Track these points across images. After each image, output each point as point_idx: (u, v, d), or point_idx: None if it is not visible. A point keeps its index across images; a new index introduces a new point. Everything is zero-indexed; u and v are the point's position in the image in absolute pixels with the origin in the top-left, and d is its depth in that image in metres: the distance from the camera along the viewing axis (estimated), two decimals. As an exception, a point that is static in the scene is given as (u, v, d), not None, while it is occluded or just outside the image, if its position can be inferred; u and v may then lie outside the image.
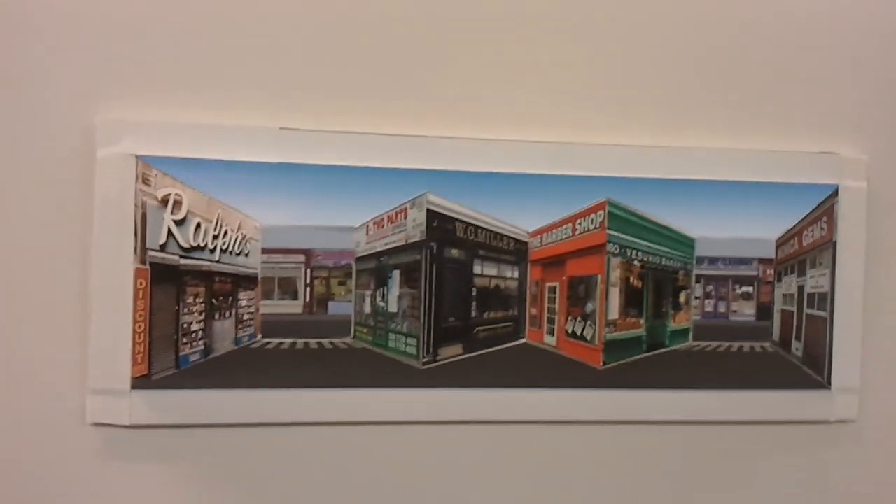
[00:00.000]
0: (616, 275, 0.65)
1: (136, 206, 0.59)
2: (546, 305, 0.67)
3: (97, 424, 0.61)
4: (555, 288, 0.68)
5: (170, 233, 0.60)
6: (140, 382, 0.60)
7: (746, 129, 0.71)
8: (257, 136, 0.59)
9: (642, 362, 0.66)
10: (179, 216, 0.60)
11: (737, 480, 0.74)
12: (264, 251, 0.62)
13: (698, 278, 0.69)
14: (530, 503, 0.70)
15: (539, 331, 0.68)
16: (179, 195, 0.60)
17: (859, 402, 0.74)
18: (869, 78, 0.75)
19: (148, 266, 0.59)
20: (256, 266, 0.61)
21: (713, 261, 0.69)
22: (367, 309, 0.65)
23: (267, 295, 0.62)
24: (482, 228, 0.64)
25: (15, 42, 0.61)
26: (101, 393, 0.61)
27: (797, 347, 0.72)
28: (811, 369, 0.71)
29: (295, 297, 0.63)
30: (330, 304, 0.63)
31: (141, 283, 0.60)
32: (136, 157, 0.59)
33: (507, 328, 0.65)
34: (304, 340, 0.61)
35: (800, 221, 0.70)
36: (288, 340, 0.61)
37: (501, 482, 0.69)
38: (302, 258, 0.62)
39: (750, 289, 0.70)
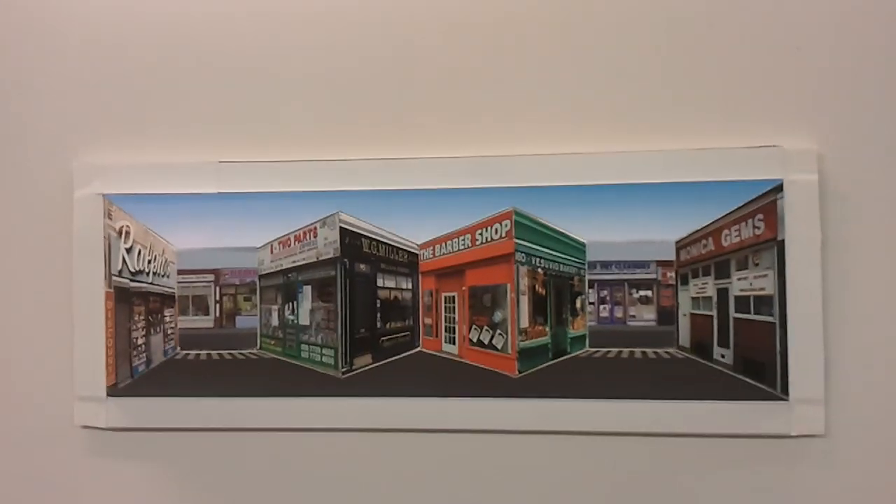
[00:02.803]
0: (525, 283, 0.60)
1: (104, 238, 0.64)
2: (444, 315, 0.61)
3: (85, 427, 0.66)
4: (453, 297, 0.61)
5: (123, 260, 0.64)
6: (112, 390, 0.64)
7: (678, 129, 0.61)
8: (197, 170, 0.63)
9: (556, 370, 0.60)
10: (128, 245, 0.64)
11: (682, 497, 0.62)
12: (179, 272, 0.63)
13: (591, 283, 0.59)
14: None
15: (436, 340, 0.62)
16: (128, 226, 0.64)
17: (826, 415, 0.60)
18: (816, 63, 0.61)
19: (112, 289, 0.64)
20: (174, 286, 0.64)
21: (606, 265, 0.59)
22: (275, 322, 0.63)
23: (183, 311, 0.64)
24: (383, 243, 0.61)
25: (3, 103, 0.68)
26: (86, 399, 0.65)
27: (723, 354, 0.59)
28: (751, 378, 0.59)
29: (207, 312, 0.63)
30: (237, 318, 0.63)
31: (109, 305, 0.64)
32: (103, 195, 0.64)
33: (405, 337, 0.61)
34: (217, 351, 0.63)
35: (715, 221, 0.59)
36: (203, 352, 0.63)
37: (424, 490, 0.64)
38: (212, 277, 0.62)
39: (649, 292, 0.59)
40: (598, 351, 0.59)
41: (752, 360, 0.59)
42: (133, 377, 0.64)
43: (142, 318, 0.64)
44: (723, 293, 0.59)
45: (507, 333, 0.60)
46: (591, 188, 0.59)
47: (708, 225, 0.59)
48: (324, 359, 0.62)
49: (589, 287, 0.60)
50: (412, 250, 0.61)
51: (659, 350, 0.59)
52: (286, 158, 0.63)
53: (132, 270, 0.64)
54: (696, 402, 0.60)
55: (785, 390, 0.60)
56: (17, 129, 0.68)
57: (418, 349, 0.61)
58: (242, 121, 0.66)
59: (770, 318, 0.59)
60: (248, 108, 0.66)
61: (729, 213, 0.59)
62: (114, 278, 0.65)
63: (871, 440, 0.62)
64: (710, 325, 0.59)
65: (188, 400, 0.64)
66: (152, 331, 0.64)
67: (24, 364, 0.68)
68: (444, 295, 0.61)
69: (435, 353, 0.61)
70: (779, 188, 0.60)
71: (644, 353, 0.59)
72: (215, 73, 0.66)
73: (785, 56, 0.62)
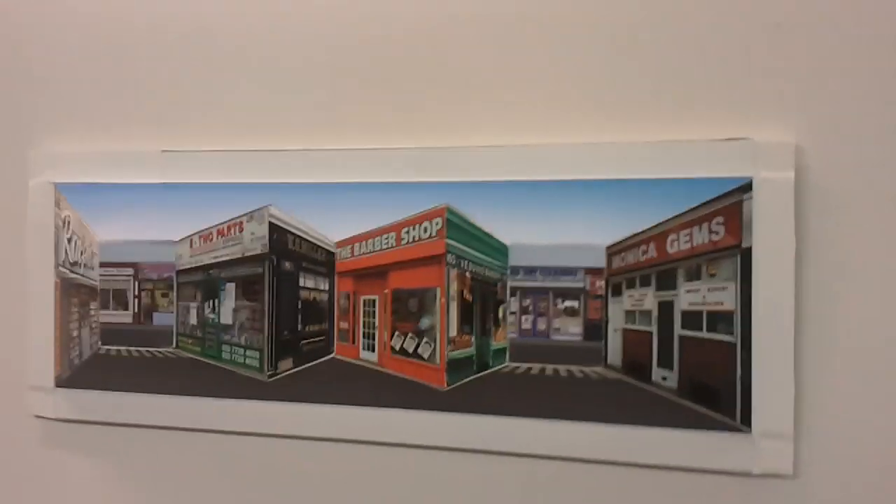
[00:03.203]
0: (454, 287, 0.54)
1: (55, 227, 0.62)
2: (362, 319, 0.56)
3: (37, 416, 0.64)
4: (373, 301, 0.56)
5: (65, 250, 0.62)
6: (58, 381, 0.63)
7: (630, 119, 0.53)
8: (138, 158, 0.60)
9: (481, 385, 0.53)
10: (69, 235, 0.62)
11: None
12: (101, 265, 0.61)
13: (514, 291, 0.52)
14: None
15: (352, 346, 0.56)
16: (69, 216, 0.62)
17: (795, 452, 0.51)
18: (799, 41, 0.51)
19: (59, 279, 0.62)
20: (97, 279, 0.61)
21: (530, 271, 0.52)
22: (193, 320, 0.59)
23: (104, 305, 0.61)
24: (305, 241, 0.57)
25: None
26: (37, 389, 0.64)
27: (664, 377, 0.50)
28: (702, 405, 0.51)
29: (126, 307, 0.60)
30: (154, 314, 0.60)
31: (57, 295, 0.62)
32: (54, 184, 0.62)
33: (321, 342, 0.57)
34: (135, 348, 0.60)
35: (658, 225, 0.50)
36: (122, 348, 0.61)
37: (351, 500, 0.59)
38: (131, 271, 0.60)
39: (575, 303, 0.51)
40: (518, 366, 0.53)
41: (703, 384, 0.51)
42: (71, 370, 0.63)
43: (75, 310, 0.63)
44: (666, 307, 0.51)
45: (434, 342, 0.55)
46: (522, 184, 0.53)
47: (649, 229, 0.51)
48: (247, 360, 0.58)
49: (511, 295, 0.53)
50: (329, 249, 0.57)
51: (585, 368, 0.52)
52: (217, 148, 0.60)
53: (71, 261, 0.63)
54: (643, 428, 0.52)
55: (746, 421, 0.52)
56: None
57: (331, 356, 0.57)
58: (187, 109, 0.63)
59: (728, 338, 0.51)
60: (192, 97, 0.63)
61: (678, 216, 0.51)
62: (59, 268, 0.64)
63: (845, 482, 0.52)
64: (647, 343, 0.51)
65: (123, 395, 0.62)
66: (82, 323, 0.62)
67: None
68: (363, 298, 0.56)
69: (351, 360, 0.56)
70: (746, 187, 0.51)
71: (570, 371, 0.52)
72: (164, 63, 0.64)
73: (762, 33, 0.53)
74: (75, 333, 0.60)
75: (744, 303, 0.49)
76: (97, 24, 0.64)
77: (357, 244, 0.53)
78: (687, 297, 0.49)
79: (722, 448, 0.50)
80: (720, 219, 0.49)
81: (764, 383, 0.50)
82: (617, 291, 0.49)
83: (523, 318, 0.51)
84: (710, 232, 0.49)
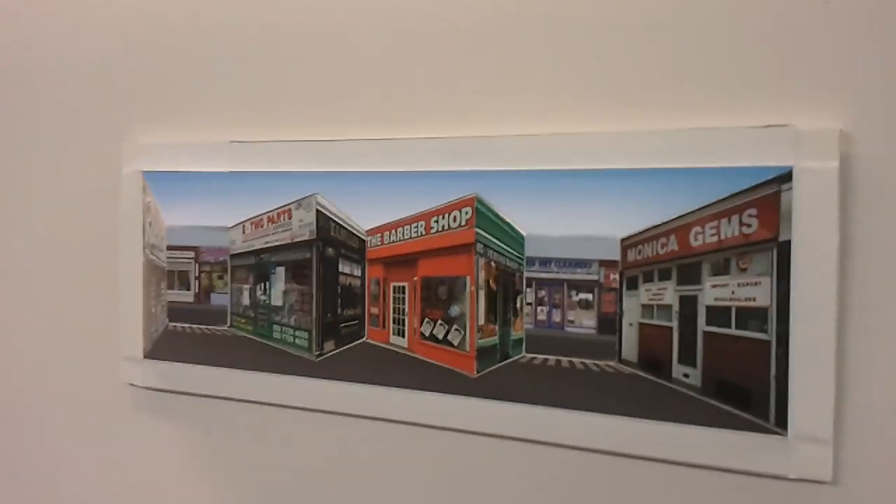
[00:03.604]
0: (482, 276, 0.54)
1: (143, 212, 0.67)
2: (392, 305, 0.57)
3: (130, 384, 0.70)
4: (402, 288, 0.56)
5: (145, 234, 0.67)
6: (145, 353, 0.68)
7: (663, 106, 0.50)
8: (210, 149, 0.64)
9: (506, 373, 0.53)
10: (149, 220, 0.67)
11: None
12: (168, 248, 0.65)
13: (529, 282, 0.51)
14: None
15: (383, 331, 0.57)
16: (150, 202, 0.67)
17: (835, 458, 0.48)
18: (848, 20, 0.47)
19: (144, 260, 0.67)
20: (165, 261, 0.66)
21: (545, 262, 0.51)
22: (246, 301, 0.62)
23: (171, 286, 0.65)
24: (343, 228, 0.58)
25: (62, 91, 0.73)
26: (129, 359, 0.69)
27: (686, 374, 0.48)
28: (730, 405, 0.48)
29: (189, 287, 0.64)
30: (212, 295, 0.63)
31: (144, 274, 0.67)
32: (142, 172, 0.67)
33: (356, 326, 0.58)
34: (196, 326, 0.64)
35: (681, 217, 0.48)
36: (186, 325, 0.65)
37: (389, 481, 0.60)
38: (192, 254, 0.63)
39: (589, 296, 0.50)
40: (535, 357, 0.52)
41: (731, 383, 0.49)
42: (152, 343, 0.69)
43: (153, 289, 0.68)
44: (688, 302, 0.49)
45: (464, 329, 0.55)
46: (542, 174, 0.52)
47: (669, 221, 0.49)
48: (297, 340, 0.61)
49: (527, 286, 0.53)
50: (361, 236, 0.58)
51: (599, 362, 0.51)
52: (266, 139, 0.63)
53: (150, 244, 0.68)
54: (668, 423, 0.51)
55: (781, 423, 0.49)
56: (73, 114, 0.75)
57: (363, 339, 0.59)
58: (254, 104, 0.66)
59: (762, 335, 0.48)
60: (258, 92, 0.66)
61: (703, 207, 0.49)
62: (145, 250, 0.69)
63: (889, 490, 0.48)
64: (667, 339, 0.49)
65: (193, 367, 0.67)
66: (156, 301, 0.68)
67: (75, 326, 0.76)
68: (392, 284, 0.57)
69: (382, 344, 0.57)
70: (785, 177, 0.48)
71: (584, 363, 0.51)
72: (232, 61, 0.68)
73: (806, 10, 0.49)
74: (153, 310, 0.65)
75: (780, 299, 0.46)
76: (178, 29, 0.67)
77: (387, 232, 0.55)
78: (713, 291, 0.46)
79: (754, 449, 0.48)
80: (753, 210, 0.46)
81: (802, 384, 0.47)
82: (632, 285, 0.48)
83: (539, 309, 0.50)
84: (742, 224, 0.46)
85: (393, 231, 0.52)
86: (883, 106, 0.45)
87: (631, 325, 0.46)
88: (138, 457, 0.68)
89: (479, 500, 0.54)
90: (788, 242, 0.45)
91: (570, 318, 0.47)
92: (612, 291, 0.46)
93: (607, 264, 0.46)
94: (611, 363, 0.47)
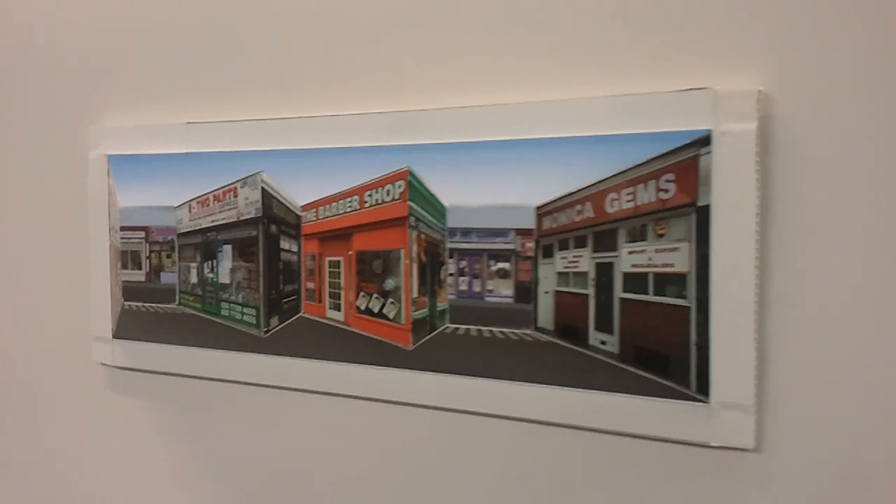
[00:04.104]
0: (415, 250, 0.54)
1: (108, 195, 0.67)
2: (328, 280, 0.57)
3: (101, 364, 0.71)
4: (338, 262, 0.56)
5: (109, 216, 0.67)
6: (114, 333, 0.68)
7: (580, 75, 0.49)
8: (166, 130, 0.64)
9: (436, 344, 0.53)
10: (111, 202, 0.67)
11: (578, 494, 0.52)
12: (121, 228, 0.66)
13: (451, 252, 0.51)
14: (361, 479, 0.59)
15: (319, 306, 0.57)
16: (112, 185, 0.68)
17: (758, 425, 0.47)
18: None
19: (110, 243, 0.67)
20: (118, 241, 0.66)
21: (466, 232, 0.50)
22: (194, 279, 0.62)
23: (124, 266, 0.66)
24: (282, 205, 0.59)
25: (31, 77, 0.74)
26: (100, 339, 0.70)
27: (603, 341, 0.48)
28: (649, 372, 0.47)
29: (140, 267, 0.65)
30: (161, 273, 0.64)
31: (110, 256, 0.68)
32: (107, 156, 0.68)
33: (294, 301, 0.59)
34: (147, 304, 0.65)
35: (597, 183, 0.47)
36: (139, 304, 0.66)
37: (338, 453, 0.60)
38: (143, 234, 0.64)
39: (507, 265, 0.49)
40: (458, 328, 0.53)
41: (649, 350, 0.48)
42: (115, 323, 0.71)
43: (113, 269, 0.70)
44: (605, 269, 0.48)
45: (399, 302, 0.56)
46: (461, 146, 0.52)
47: (584, 188, 0.49)
48: (245, 317, 0.62)
49: (449, 257, 0.53)
50: (297, 212, 0.59)
51: (517, 331, 0.51)
52: (217, 119, 0.64)
53: (111, 226, 0.70)
54: (591, 392, 0.51)
55: (703, 391, 0.48)
56: (42, 99, 0.77)
57: (300, 314, 0.60)
58: (208, 85, 0.67)
59: (681, 301, 0.48)
60: (211, 74, 0.67)
61: (618, 174, 0.48)
62: (111, 232, 0.71)
63: (811, 457, 0.47)
64: (583, 306, 0.49)
65: (157, 346, 0.68)
66: (115, 282, 0.69)
67: (49, 308, 0.77)
68: (327, 259, 0.58)
69: (319, 318, 0.58)
70: (704, 141, 0.48)
71: (503, 332, 0.51)
72: (188, 45, 0.69)
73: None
74: (114, 291, 0.67)
75: (700, 265, 0.46)
76: (139, 17, 0.69)
77: (322, 207, 0.55)
78: (630, 258, 0.46)
79: (676, 417, 0.47)
80: (670, 176, 0.46)
81: (722, 350, 0.46)
82: (548, 253, 0.48)
83: (460, 279, 0.50)
84: (659, 190, 0.46)
85: (327, 206, 0.53)
86: (804, 65, 0.45)
87: (547, 293, 0.46)
88: (108, 430, 0.70)
89: (416, 470, 0.54)
90: (708, 207, 0.44)
91: (490, 287, 0.47)
92: (529, 260, 0.46)
93: (523, 233, 0.46)
94: (528, 332, 0.47)
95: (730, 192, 0.44)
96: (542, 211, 0.45)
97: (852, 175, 0.43)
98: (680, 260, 0.44)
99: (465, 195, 0.47)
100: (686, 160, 0.44)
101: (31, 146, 0.72)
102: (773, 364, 0.45)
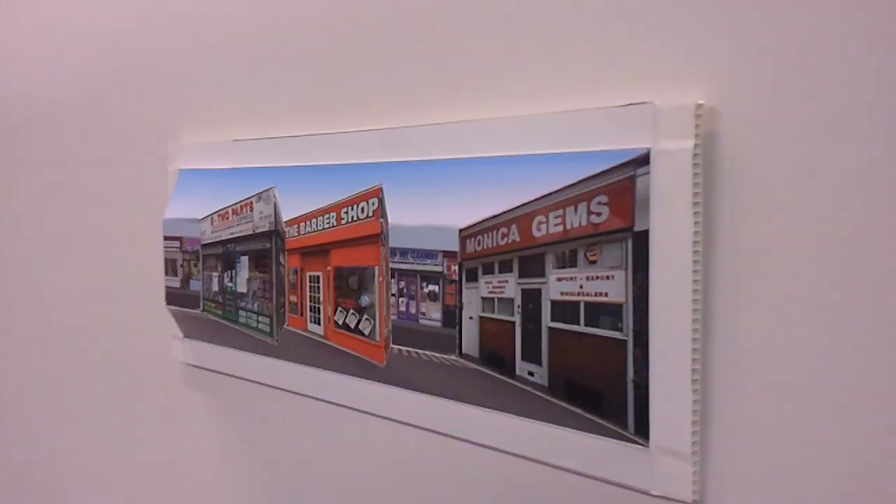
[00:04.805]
0: (389, 267, 0.53)
1: None
2: (308, 294, 0.58)
3: (180, 362, 0.76)
4: (317, 277, 0.57)
5: None
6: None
7: (529, 92, 0.46)
8: (215, 147, 0.68)
9: (414, 365, 0.52)
10: None
11: None
12: (165, 238, 0.71)
13: (393, 272, 0.51)
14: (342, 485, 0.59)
15: (300, 318, 0.59)
16: None
17: (703, 476, 0.42)
18: None
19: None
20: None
21: (404, 252, 0.50)
22: (216, 287, 0.66)
23: (166, 272, 0.72)
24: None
25: (121, 101, 0.81)
26: (176, 338, 0.75)
27: (531, 372, 0.45)
28: (580, 408, 0.44)
29: (176, 273, 0.70)
30: (191, 281, 0.68)
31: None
32: (178, 170, 0.73)
33: (283, 313, 0.60)
34: (181, 308, 0.70)
35: (524, 205, 0.45)
36: (176, 308, 0.71)
37: (328, 458, 0.61)
38: (178, 244, 0.69)
39: (436, 287, 0.48)
40: (401, 349, 0.52)
41: (581, 385, 0.45)
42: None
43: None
44: (531, 295, 0.46)
45: (374, 319, 0.57)
46: (395, 165, 0.52)
47: (509, 210, 0.46)
48: (260, 325, 0.66)
49: (391, 277, 0.53)
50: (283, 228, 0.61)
51: (443, 356, 0.49)
52: (253, 137, 0.68)
53: (169, 236, 0.76)
54: (528, 420, 0.49)
55: (642, 433, 0.44)
56: (128, 119, 0.86)
57: (284, 326, 0.62)
58: (252, 104, 0.72)
59: (615, 334, 0.44)
60: (254, 93, 0.72)
61: (549, 195, 0.45)
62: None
63: None
64: (509, 334, 0.46)
65: (208, 345, 0.73)
66: (172, 287, 0.75)
67: (134, 308, 0.86)
68: (308, 274, 0.60)
69: (300, 331, 0.60)
70: (642, 160, 0.44)
71: (431, 357, 0.50)
72: (238, 67, 0.74)
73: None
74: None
75: (638, 295, 0.43)
76: (206, 49, 0.74)
77: (303, 223, 0.57)
78: (558, 285, 0.44)
79: (615, 458, 0.45)
80: (603, 198, 0.43)
81: (661, 390, 0.43)
82: (472, 277, 0.46)
83: (400, 300, 0.50)
84: (590, 213, 0.43)
85: (307, 222, 0.55)
86: (755, 76, 0.40)
87: (471, 318, 0.45)
88: (177, 421, 0.76)
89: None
90: (647, 233, 0.41)
91: (423, 309, 0.47)
92: (454, 283, 0.45)
93: (449, 255, 0.45)
94: (451, 357, 0.46)
95: (668, 216, 0.41)
96: (466, 233, 0.44)
97: (802, 199, 0.38)
98: (614, 289, 0.41)
99: (403, 214, 0.47)
100: (621, 181, 0.41)
101: (118, 161, 0.80)
102: (716, 408, 0.40)
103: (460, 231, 0.44)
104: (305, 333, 0.55)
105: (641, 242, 0.40)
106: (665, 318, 0.40)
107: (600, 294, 0.41)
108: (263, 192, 0.59)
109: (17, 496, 1.08)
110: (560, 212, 0.41)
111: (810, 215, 0.37)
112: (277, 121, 0.63)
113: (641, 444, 0.41)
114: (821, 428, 0.37)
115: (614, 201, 0.41)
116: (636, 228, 0.40)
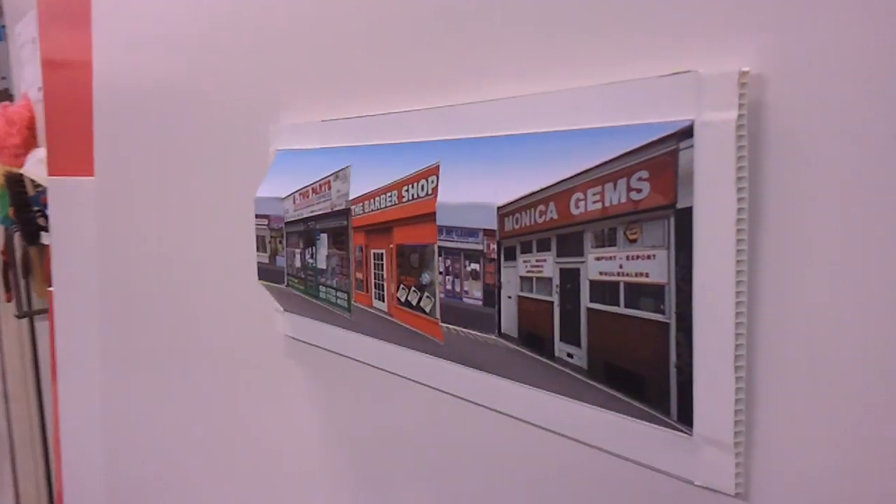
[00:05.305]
0: None
1: None
2: (373, 271, 0.59)
3: (284, 335, 0.79)
4: (381, 255, 0.58)
5: None
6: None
7: (556, 65, 0.44)
8: (306, 128, 0.71)
9: (462, 343, 0.52)
10: None
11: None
12: (256, 216, 0.73)
13: (440, 251, 0.50)
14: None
15: (366, 294, 0.60)
16: None
17: (746, 467, 0.39)
18: None
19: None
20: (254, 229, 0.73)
21: (450, 231, 0.49)
22: (298, 264, 0.68)
23: (257, 249, 0.74)
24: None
25: (225, 80, 0.85)
26: (279, 312, 0.78)
27: (570, 353, 0.43)
28: (622, 393, 0.42)
29: (265, 250, 0.72)
30: (277, 257, 0.70)
31: None
32: (276, 150, 0.75)
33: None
34: (270, 283, 0.72)
35: (561, 182, 0.43)
36: (266, 283, 0.73)
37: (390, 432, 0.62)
38: (266, 222, 0.71)
39: (477, 266, 0.47)
40: (448, 327, 0.52)
41: (622, 369, 0.44)
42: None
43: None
44: (569, 275, 0.44)
45: (434, 296, 0.57)
46: (444, 143, 0.51)
47: (548, 187, 0.45)
48: (338, 301, 0.68)
49: (438, 255, 0.52)
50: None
51: (483, 335, 0.49)
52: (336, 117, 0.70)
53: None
54: (567, 399, 0.48)
55: (685, 420, 0.42)
56: (233, 101, 0.90)
57: (352, 302, 0.63)
58: (339, 85, 0.74)
59: (657, 316, 0.43)
60: (344, 73, 0.74)
61: (586, 171, 0.44)
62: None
63: None
64: (548, 314, 0.45)
65: (301, 318, 0.77)
66: (264, 263, 0.79)
67: (242, 283, 0.91)
68: (372, 251, 0.61)
69: (366, 307, 0.62)
70: (685, 133, 0.42)
71: (472, 335, 0.49)
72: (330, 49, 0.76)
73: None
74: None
75: (681, 275, 0.41)
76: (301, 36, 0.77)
77: (366, 202, 0.59)
78: (597, 265, 0.43)
79: (657, 444, 0.43)
80: (643, 173, 0.41)
81: (705, 376, 0.41)
82: (510, 255, 0.46)
83: (446, 278, 0.50)
84: (630, 189, 0.42)
85: (371, 200, 0.56)
86: (805, 38, 0.37)
87: (510, 297, 0.44)
88: (279, 389, 0.80)
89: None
90: (690, 210, 0.39)
91: (466, 288, 0.47)
92: (493, 262, 0.45)
93: (488, 234, 0.45)
94: (491, 337, 0.46)
95: (712, 193, 0.39)
96: (504, 211, 0.44)
97: (857, 175, 0.35)
98: (656, 269, 0.40)
99: (447, 192, 0.47)
100: (662, 156, 0.39)
101: (224, 143, 0.85)
102: (761, 397, 0.38)
103: (498, 209, 0.44)
104: (371, 310, 0.56)
105: (684, 220, 0.38)
106: (708, 301, 0.38)
107: (641, 274, 0.40)
108: (340, 170, 0.61)
109: (131, 461, 1.17)
110: (598, 188, 0.40)
111: (864, 193, 0.34)
112: (357, 100, 0.64)
113: (685, 432, 0.39)
114: (873, 421, 0.34)
115: (655, 177, 0.39)
116: (679, 206, 0.38)
